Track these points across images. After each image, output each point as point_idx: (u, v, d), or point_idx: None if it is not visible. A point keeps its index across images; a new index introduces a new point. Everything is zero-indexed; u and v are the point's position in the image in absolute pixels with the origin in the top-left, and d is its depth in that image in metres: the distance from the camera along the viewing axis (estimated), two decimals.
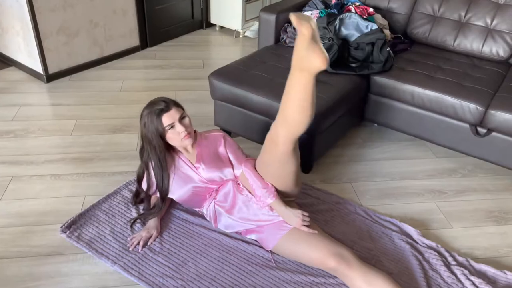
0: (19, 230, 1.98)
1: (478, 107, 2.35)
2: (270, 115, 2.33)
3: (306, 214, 1.80)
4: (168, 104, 1.81)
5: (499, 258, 2.01)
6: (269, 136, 1.73)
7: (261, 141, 2.49)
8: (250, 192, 1.90)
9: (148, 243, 1.92)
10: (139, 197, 2.09)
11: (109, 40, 3.63)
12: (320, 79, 2.49)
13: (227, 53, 4.04)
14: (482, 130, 2.42)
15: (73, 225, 1.99)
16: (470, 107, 2.37)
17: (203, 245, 1.94)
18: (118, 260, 1.84)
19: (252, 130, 2.50)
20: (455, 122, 2.48)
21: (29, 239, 1.94)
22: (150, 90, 3.26)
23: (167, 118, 1.79)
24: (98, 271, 1.82)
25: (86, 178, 2.33)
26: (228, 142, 2.01)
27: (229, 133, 2.72)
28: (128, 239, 1.94)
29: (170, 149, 1.94)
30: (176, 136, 1.83)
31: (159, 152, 1.85)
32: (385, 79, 2.57)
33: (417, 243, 2.01)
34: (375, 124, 2.93)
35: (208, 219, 2.03)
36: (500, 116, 2.31)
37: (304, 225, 1.79)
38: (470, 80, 2.52)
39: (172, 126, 1.81)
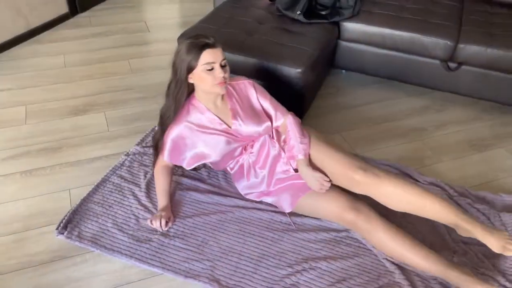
0: (10, 240, 1.74)
1: (448, 42, 2.42)
2: (259, 76, 2.21)
3: (327, 179, 1.75)
4: (216, 41, 1.62)
5: (490, 182, 2.15)
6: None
7: None
8: (281, 147, 1.86)
9: (165, 227, 1.77)
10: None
11: (33, 10, 3.19)
12: (295, 30, 2.40)
13: (169, 12, 3.75)
14: (452, 65, 2.51)
15: (69, 224, 1.78)
16: (441, 44, 2.43)
17: (218, 221, 1.84)
18: (133, 254, 1.70)
19: None
20: (426, 59, 2.54)
21: (24, 247, 1.72)
22: (100, 62, 2.95)
23: (210, 55, 1.60)
24: (116, 268, 1.67)
25: (63, 170, 2.08)
26: (260, 91, 1.85)
27: None
28: (147, 222, 1.79)
29: (192, 105, 1.75)
30: (210, 80, 1.63)
31: (179, 85, 1.69)
32: (355, 24, 2.54)
33: (419, 181, 2.09)
34: (343, 71, 2.92)
35: (232, 174, 1.94)
36: (470, 49, 2.40)
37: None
38: (435, 17, 2.58)
39: (211, 68, 1.62)
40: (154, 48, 3.16)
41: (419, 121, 2.53)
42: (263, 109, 1.85)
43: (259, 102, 1.84)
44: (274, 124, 1.86)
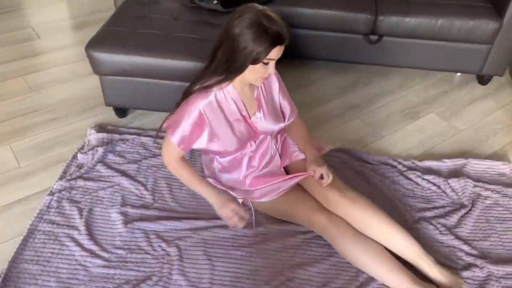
0: None
1: (368, 16, 2.40)
2: (184, 77, 2.00)
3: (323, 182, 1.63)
4: (286, 35, 1.37)
5: (430, 150, 2.21)
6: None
7: (172, 110, 2.16)
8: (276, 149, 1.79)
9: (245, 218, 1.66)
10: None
11: None
12: (215, 22, 2.21)
13: (57, 13, 3.30)
14: (374, 37, 2.51)
15: None
16: (361, 18, 2.41)
17: (179, 250, 1.65)
18: None
19: (161, 100, 2.13)
20: (349, 35, 2.51)
21: None
22: None
23: (276, 52, 1.38)
24: None
25: None
26: (282, 85, 1.69)
27: (125, 110, 2.30)
28: (229, 223, 1.64)
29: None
30: (261, 73, 1.43)
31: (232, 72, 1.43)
32: (278, 7, 2.41)
33: (369, 162, 2.07)
34: None
35: (221, 165, 1.75)
36: (389, 20, 2.41)
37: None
38: None
39: (268, 62, 1.41)
40: (49, 59, 2.76)
41: (351, 98, 2.52)
42: (280, 105, 1.70)
43: (279, 97, 1.69)
44: (285, 123, 1.73)
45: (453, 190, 1.95)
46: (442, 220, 1.81)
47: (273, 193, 1.67)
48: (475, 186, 1.96)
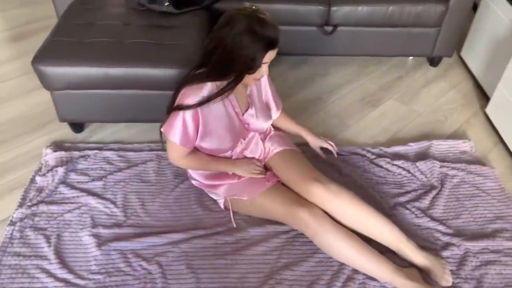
0: None
1: (321, 7, 2.40)
2: (143, 85, 1.91)
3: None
4: (279, 37, 1.39)
5: (395, 135, 2.25)
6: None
7: (133, 119, 2.07)
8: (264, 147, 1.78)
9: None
10: None
11: None
12: (168, 24, 2.12)
13: None
14: (328, 28, 2.52)
15: None
16: (315, 10, 2.41)
17: (160, 267, 1.58)
18: None
19: (120, 111, 2.03)
20: (304, 28, 2.50)
21: None
22: None
23: (270, 56, 1.42)
24: None
25: None
26: (270, 79, 1.71)
27: (81, 124, 2.16)
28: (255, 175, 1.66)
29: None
30: (252, 77, 1.47)
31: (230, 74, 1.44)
32: (226, 4, 2.36)
33: (339, 154, 2.08)
34: None
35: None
36: (342, 10, 2.42)
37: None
38: None
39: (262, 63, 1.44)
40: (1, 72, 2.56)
41: (312, 91, 2.52)
42: (268, 100, 1.73)
43: (268, 92, 1.70)
44: (273, 117, 1.75)
45: (422, 173, 2.00)
46: (416, 204, 1.85)
47: (257, 190, 1.64)
48: (441, 166, 2.02)
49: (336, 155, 1.86)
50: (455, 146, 2.16)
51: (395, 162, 2.03)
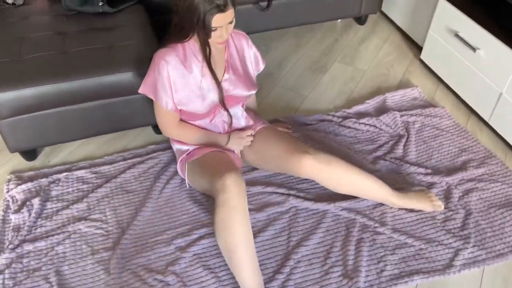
0: None
1: None
2: (102, 94, 1.78)
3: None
4: (227, 1, 1.40)
5: (351, 96, 2.36)
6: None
7: (93, 133, 1.92)
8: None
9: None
10: None
11: None
12: (108, 25, 1.97)
13: None
14: (264, 3, 2.52)
15: None
16: None
17: (177, 276, 1.53)
18: None
19: (78, 127, 1.87)
20: (241, 7, 2.48)
21: None
22: None
23: (219, 20, 1.42)
24: None
25: None
26: (255, 50, 1.74)
27: (34, 151, 1.97)
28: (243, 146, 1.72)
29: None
30: (212, 38, 1.48)
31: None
32: None
33: (308, 124, 2.13)
34: None
35: None
36: None
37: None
38: None
39: (215, 29, 1.45)
40: None
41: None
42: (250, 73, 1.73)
43: (251, 64, 1.72)
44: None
45: (387, 125, 2.12)
46: (392, 154, 1.97)
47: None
48: (401, 115, 2.17)
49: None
50: (406, 94, 2.32)
51: (361, 121, 2.13)
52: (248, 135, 1.72)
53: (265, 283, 1.48)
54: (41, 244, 1.59)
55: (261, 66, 1.81)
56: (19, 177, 1.82)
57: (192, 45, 1.57)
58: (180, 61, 1.54)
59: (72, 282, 1.50)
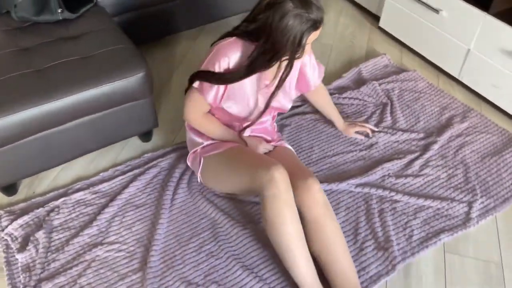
0: None
1: None
2: (87, 111, 1.64)
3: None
4: (323, 17, 1.32)
5: (326, 72, 2.38)
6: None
7: (78, 154, 1.77)
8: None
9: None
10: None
11: None
12: (74, 33, 1.80)
13: None
14: None
15: None
16: None
17: (222, 278, 1.48)
18: None
19: (63, 150, 1.70)
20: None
21: None
22: None
23: (312, 37, 1.35)
24: None
25: None
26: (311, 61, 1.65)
27: (13, 184, 1.77)
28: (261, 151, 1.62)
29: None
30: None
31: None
32: None
33: (293, 107, 2.13)
34: None
35: None
36: None
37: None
38: None
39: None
40: None
41: None
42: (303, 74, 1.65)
43: (305, 67, 1.63)
44: (312, 87, 1.72)
45: (369, 96, 2.18)
46: (383, 124, 2.03)
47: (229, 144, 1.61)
48: (380, 84, 2.24)
49: (372, 135, 1.96)
50: (377, 63, 2.39)
51: (344, 95, 2.17)
52: (265, 147, 1.64)
53: None
54: (60, 280, 1.45)
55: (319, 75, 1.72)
56: (10, 212, 1.64)
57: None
58: (241, 61, 1.41)
59: None
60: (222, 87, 1.46)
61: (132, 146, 1.95)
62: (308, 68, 1.65)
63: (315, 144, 1.94)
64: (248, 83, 1.48)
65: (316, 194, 1.43)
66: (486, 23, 2.01)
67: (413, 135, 1.98)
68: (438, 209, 1.69)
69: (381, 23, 2.60)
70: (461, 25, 2.13)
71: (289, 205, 1.35)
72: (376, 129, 1.97)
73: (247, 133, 1.65)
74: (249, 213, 1.67)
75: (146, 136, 1.95)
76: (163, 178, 1.77)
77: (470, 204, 1.70)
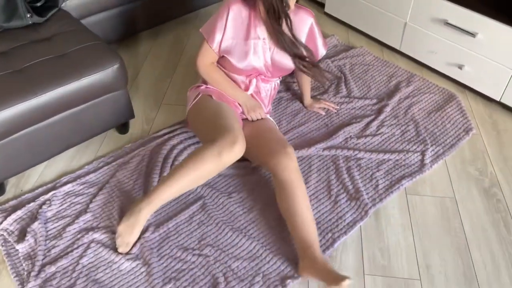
0: None
1: None
2: (73, 102, 1.74)
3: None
4: None
5: None
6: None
7: (63, 148, 1.85)
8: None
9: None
10: None
11: None
12: (45, 35, 1.90)
13: None
14: None
15: None
16: None
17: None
18: None
19: (49, 145, 1.79)
20: None
21: None
22: None
23: None
24: None
25: None
26: (314, 29, 1.84)
27: (1, 185, 1.83)
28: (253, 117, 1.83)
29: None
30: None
31: None
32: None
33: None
34: None
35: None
36: None
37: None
38: None
39: None
40: None
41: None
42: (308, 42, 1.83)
43: (305, 39, 1.82)
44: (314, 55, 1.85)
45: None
46: (339, 95, 2.25)
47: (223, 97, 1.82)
48: (332, 61, 2.45)
49: (334, 110, 2.16)
50: (328, 43, 2.60)
51: None
52: (259, 113, 1.83)
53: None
54: (63, 262, 1.53)
55: (321, 51, 1.90)
56: (2, 210, 1.70)
57: (258, 11, 1.70)
58: (243, 14, 1.70)
59: (114, 285, 1.49)
60: (221, 32, 1.70)
61: (111, 140, 2.04)
62: (317, 34, 1.85)
63: (282, 118, 2.11)
64: (245, 34, 1.72)
65: (292, 160, 1.61)
66: None
67: (367, 102, 2.20)
68: (397, 160, 1.91)
69: (326, 9, 2.83)
70: (396, 1, 2.38)
71: (219, 165, 1.54)
72: (337, 106, 2.16)
73: (250, 91, 1.84)
74: (232, 185, 1.82)
75: (123, 128, 2.06)
76: (146, 164, 1.88)
77: (423, 153, 1.94)
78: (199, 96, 1.80)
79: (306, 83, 2.10)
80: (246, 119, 1.85)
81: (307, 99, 2.15)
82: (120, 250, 1.55)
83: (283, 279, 1.51)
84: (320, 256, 1.47)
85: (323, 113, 2.14)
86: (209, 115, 1.72)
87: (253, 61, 1.75)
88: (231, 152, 1.53)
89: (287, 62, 1.80)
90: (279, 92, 2.25)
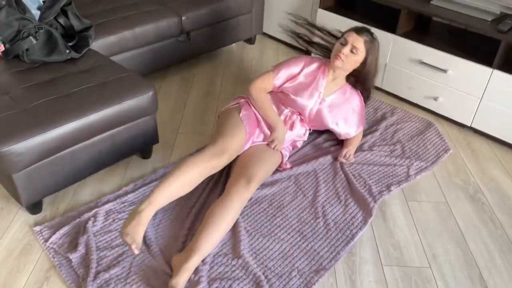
0: None
1: (174, 19, 2.76)
2: (105, 127, 1.94)
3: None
4: (363, 30, 2.10)
5: None
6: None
7: (97, 168, 2.02)
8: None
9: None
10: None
11: None
12: (78, 70, 2.11)
13: None
14: (184, 36, 2.89)
15: None
16: (170, 23, 2.75)
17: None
18: None
19: (85, 165, 1.96)
20: (165, 42, 2.79)
21: None
22: None
23: (350, 38, 2.08)
24: None
25: None
26: (358, 108, 2.28)
27: (39, 202, 1.95)
28: (277, 144, 2.11)
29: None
30: (335, 50, 2.11)
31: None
32: (104, 39, 2.45)
33: None
34: None
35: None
36: (192, 17, 2.84)
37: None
38: (150, 5, 2.81)
39: (344, 44, 2.08)
40: None
41: (204, 94, 2.87)
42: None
43: (354, 111, 2.27)
44: (349, 131, 2.30)
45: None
46: None
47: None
48: None
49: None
50: None
51: None
52: (279, 146, 2.11)
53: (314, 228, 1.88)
54: (115, 270, 1.65)
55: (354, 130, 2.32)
56: (49, 226, 1.82)
57: (325, 69, 2.18)
58: (314, 66, 2.18)
59: None
60: (289, 75, 2.17)
61: (136, 165, 2.22)
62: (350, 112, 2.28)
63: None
64: (310, 84, 2.17)
65: (248, 192, 1.83)
66: (395, 42, 2.70)
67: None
68: (386, 172, 2.23)
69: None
70: None
71: (207, 167, 1.81)
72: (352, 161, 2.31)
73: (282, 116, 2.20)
74: (253, 197, 2.03)
75: (147, 153, 2.25)
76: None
77: (408, 167, 2.27)
78: (234, 106, 2.14)
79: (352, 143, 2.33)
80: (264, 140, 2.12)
81: (341, 154, 2.28)
82: (133, 247, 1.56)
83: (316, 271, 1.72)
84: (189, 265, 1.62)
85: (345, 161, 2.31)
86: (225, 122, 2.03)
87: (306, 101, 2.15)
88: (219, 158, 1.83)
89: (326, 120, 2.23)
90: None
